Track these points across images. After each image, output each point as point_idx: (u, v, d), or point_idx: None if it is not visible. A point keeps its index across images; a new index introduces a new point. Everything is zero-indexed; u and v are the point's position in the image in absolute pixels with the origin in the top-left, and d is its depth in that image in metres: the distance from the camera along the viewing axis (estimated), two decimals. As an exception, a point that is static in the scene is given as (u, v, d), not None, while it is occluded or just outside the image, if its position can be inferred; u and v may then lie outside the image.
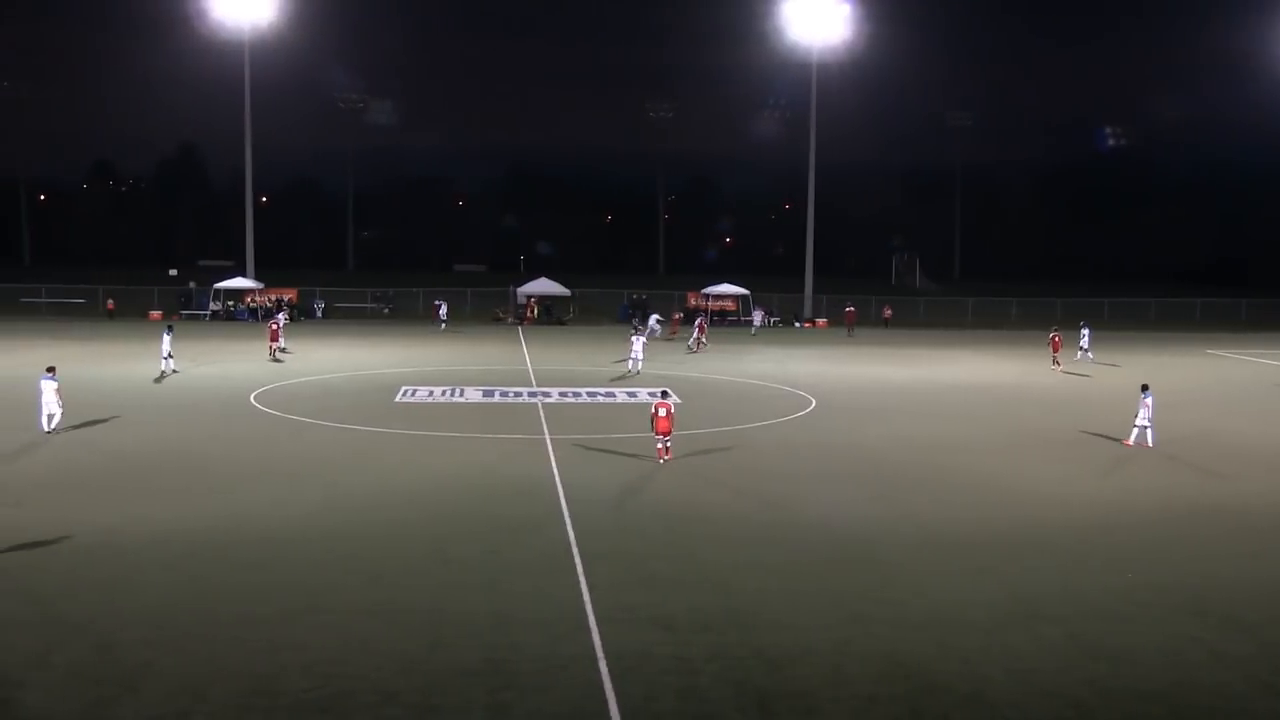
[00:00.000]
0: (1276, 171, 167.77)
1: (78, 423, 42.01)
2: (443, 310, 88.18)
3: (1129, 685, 20.99)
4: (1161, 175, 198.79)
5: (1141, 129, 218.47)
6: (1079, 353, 68.22)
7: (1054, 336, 68.04)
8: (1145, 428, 42.23)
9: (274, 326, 66.93)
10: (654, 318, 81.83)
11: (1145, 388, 42.76)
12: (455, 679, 20.66)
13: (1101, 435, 44.91)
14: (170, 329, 60.12)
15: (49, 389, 40.81)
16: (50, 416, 40.75)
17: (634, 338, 61.59)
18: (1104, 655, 22.43)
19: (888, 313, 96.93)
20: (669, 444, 38.32)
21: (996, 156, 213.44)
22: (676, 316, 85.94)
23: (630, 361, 59.88)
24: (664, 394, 41.50)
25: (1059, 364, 66.05)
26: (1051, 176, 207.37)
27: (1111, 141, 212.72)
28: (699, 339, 73.86)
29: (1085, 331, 69.58)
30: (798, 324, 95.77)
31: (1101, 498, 35.13)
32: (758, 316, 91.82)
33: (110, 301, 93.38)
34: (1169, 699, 20.47)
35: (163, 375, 56.11)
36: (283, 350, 65.60)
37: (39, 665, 20.97)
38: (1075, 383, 60.54)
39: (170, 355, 56.98)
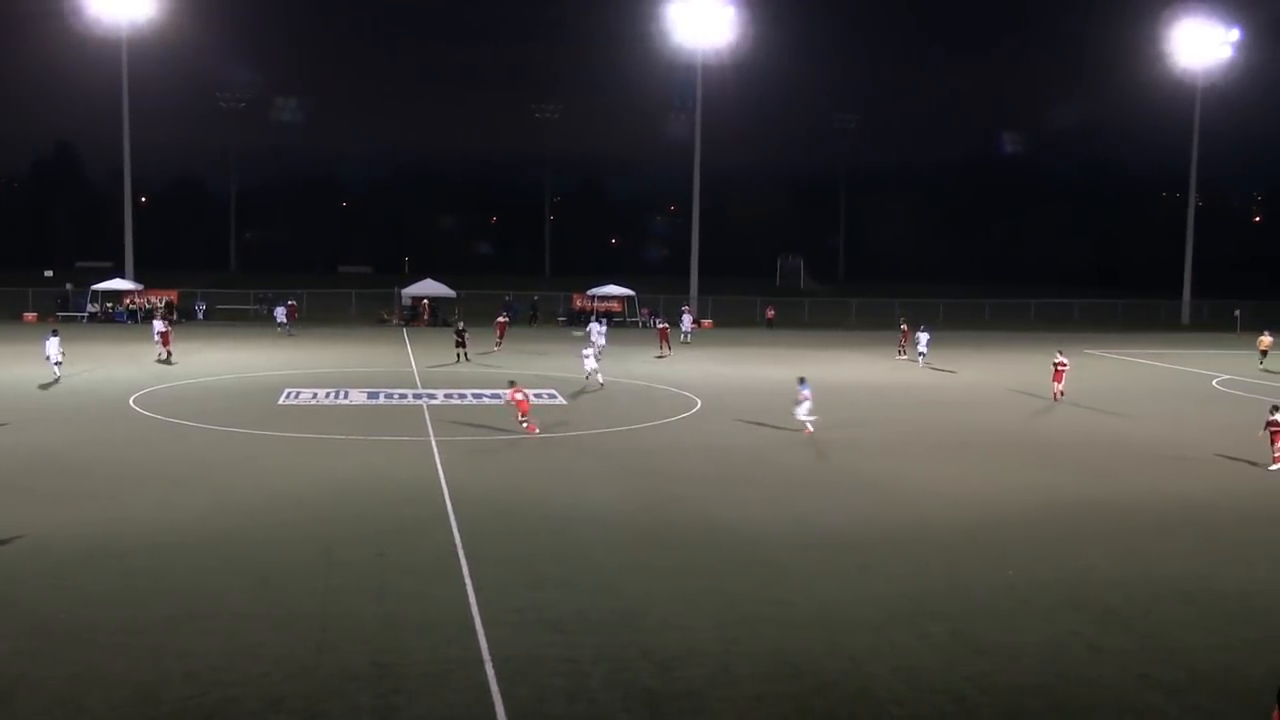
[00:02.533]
0: (1152, 177, 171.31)
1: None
2: (279, 313, 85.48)
3: (1011, 680, 21.31)
4: (1044, 180, 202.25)
5: (1025, 134, 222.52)
6: (918, 357, 68.27)
7: (904, 328, 73.18)
8: (806, 420, 44.56)
9: (164, 330, 66.11)
10: (595, 329, 71.76)
11: (802, 380, 45.48)
12: (342, 683, 20.51)
13: (983, 433, 45.68)
14: (56, 332, 58.62)
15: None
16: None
17: (586, 350, 59.37)
18: (987, 650, 22.75)
19: (770, 313, 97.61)
20: (521, 422, 43.48)
21: (881, 159, 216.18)
22: (501, 320, 77.35)
23: (589, 375, 57.02)
24: (511, 383, 45.42)
25: (904, 353, 71.35)
26: (936, 180, 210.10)
27: (1007, 147, 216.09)
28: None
29: (924, 336, 69.29)
30: (684, 326, 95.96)
31: (984, 495, 35.60)
32: (687, 320, 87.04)
33: None
34: (1050, 692, 20.80)
35: (55, 380, 54.96)
36: (166, 357, 64.21)
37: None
38: (941, 379, 61.32)
39: (60, 360, 56.03)
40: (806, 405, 44.35)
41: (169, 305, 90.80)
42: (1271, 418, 39.84)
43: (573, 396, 52.81)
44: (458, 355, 65.79)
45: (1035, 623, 24.49)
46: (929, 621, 24.30)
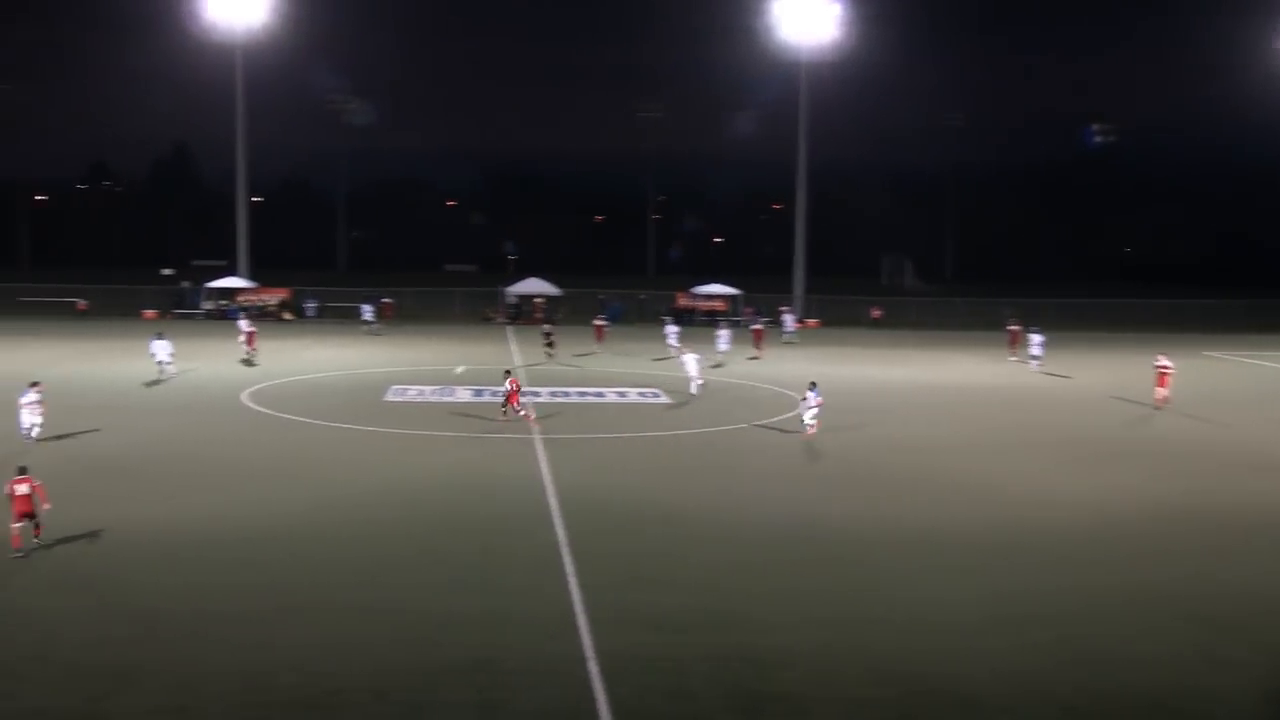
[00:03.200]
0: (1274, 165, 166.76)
1: (66, 424, 41.74)
2: (366, 311, 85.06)
3: (1122, 689, 21.04)
4: (1156, 175, 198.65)
5: (1135, 129, 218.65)
6: (1031, 360, 65.84)
7: (1011, 329, 71.54)
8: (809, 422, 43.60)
9: (250, 330, 65.19)
10: (670, 330, 71.74)
11: (813, 385, 44.50)
12: (445, 677, 20.71)
13: (1080, 437, 45.10)
14: (161, 335, 58.50)
15: (30, 400, 39.76)
16: (33, 425, 39.49)
17: (684, 356, 56.30)
18: (1096, 659, 22.47)
19: (876, 313, 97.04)
20: (518, 410, 44.44)
21: (989, 158, 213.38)
22: (598, 323, 75.36)
23: (692, 384, 53.32)
24: (507, 373, 46.73)
25: (1015, 355, 69.41)
26: (1046, 178, 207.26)
27: (1099, 139, 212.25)
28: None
29: (1037, 338, 66.87)
30: (718, 319, 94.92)
31: (1083, 499, 35.11)
32: (789, 320, 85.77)
33: (81, 303, 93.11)
34: (1164, 705, 20.53)
35: (163, 379, 55.13)
36: (250, 357, 63.16)
37: (36, 660, 21.12)
38: (1051, 383, 60.45)
39: (169, 361, 56.13)
40: (814, 410, 43.38)
41: (283, 304, 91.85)
42: None
43: (675, 395, 52.76)
44: (546, 354, 65.76)
45: (1147, 631, 24.13)
46: (1034, 627, 24.05)
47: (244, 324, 67.13)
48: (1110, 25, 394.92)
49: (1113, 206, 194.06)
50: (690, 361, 53.64)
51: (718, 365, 63.62)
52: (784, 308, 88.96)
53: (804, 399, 43.77)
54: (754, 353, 70.71)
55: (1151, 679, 21.59)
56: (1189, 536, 31.51)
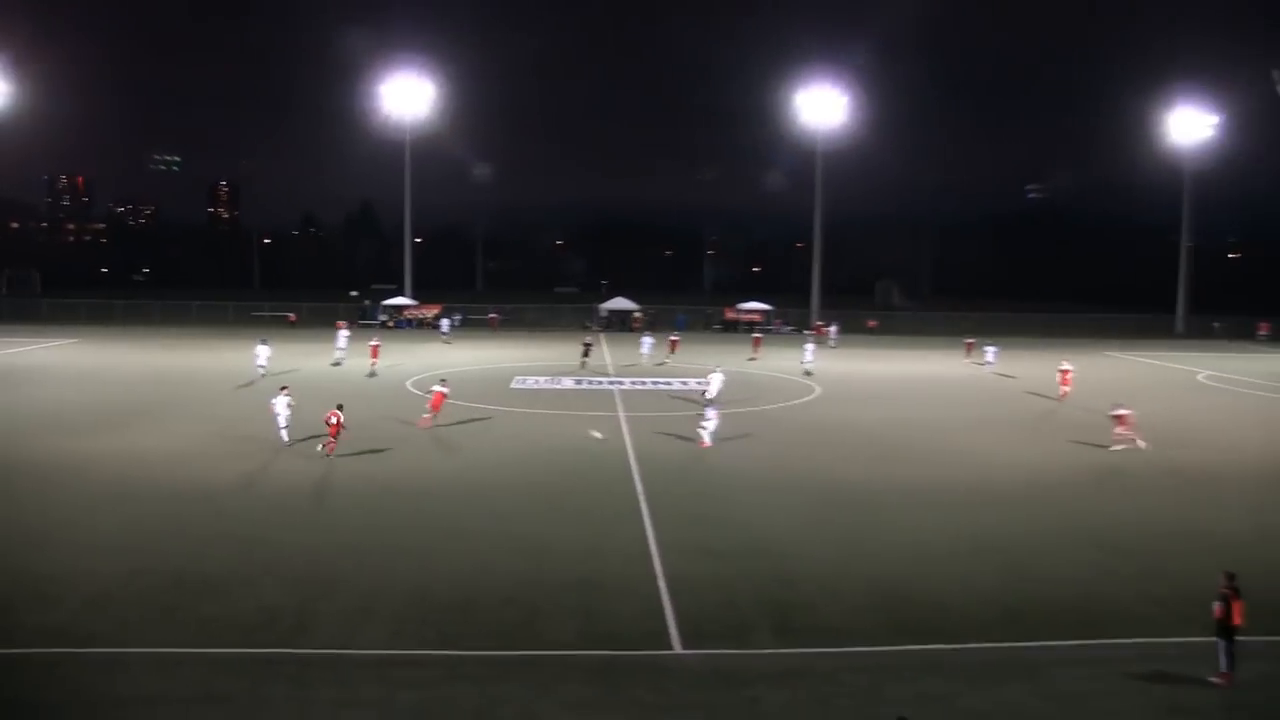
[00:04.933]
0: (1151, 219, 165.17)
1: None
2: (444, 324, 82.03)
3: (1047, 595, 21.16)
4: (1084, 218, 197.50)
5: (1066, 185, 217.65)
6: (987, 364, 62.25)
7: (968, 342, 69.63)
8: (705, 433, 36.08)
9: (375, 343, 57.60)
10: (645, 342, 64.56)
11: (711, 401, 38.68)
12: (555, 591, 21.01)
13: (1019, 419, 44.72)
14: (265, 341, 53.49)
15: (281, 404, 34.67)
16: (286, 429, 34.49)
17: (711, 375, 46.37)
18: (1031, 575, 22.57)
19: (872, 324, 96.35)
20: (433, 417, 38.50)
21: (959, 206, 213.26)
22: (673, 339, 67.68)
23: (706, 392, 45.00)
24: (443, 381, 40.83)
25: (969, 357, 67.28)
26: (1000, 222, 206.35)
27: (1038, 194, 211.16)
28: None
29: (991, 349, 63.45)
30: (806, 331, 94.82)
31: (1022, 461, 34.90)
32: (833, 330, 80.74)
33: (292, 315, 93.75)
34: (1075, 606, 20.62)
35: (260, 378, 50.10)
36: (372, 370, 55.21)
37: (267, 573, 21.77)
38: (1000, 381, 59.76)
39: (264, 365, 51.13)
40: (712, 425, 36.09)
41: (436, 316, 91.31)
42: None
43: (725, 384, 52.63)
44: (582, 363, 59.17)
45: (1066, 555, 24.18)
46: (989, 553, 24.10)
47: (374, 339, 59.40)
48: (1053, 105, 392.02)
49: (1051, 242, 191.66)
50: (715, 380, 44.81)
51: (661, 363, 61.25)
52: (828, 323, 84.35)
53: (704, 417, 36.48)
54: (752, 354, 67.44)
55: (1067, 589, 21.74)
56: (1096, 487, 31.36)
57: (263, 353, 51.86)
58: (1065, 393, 49.08)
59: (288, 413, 34.67)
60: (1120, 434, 36.86)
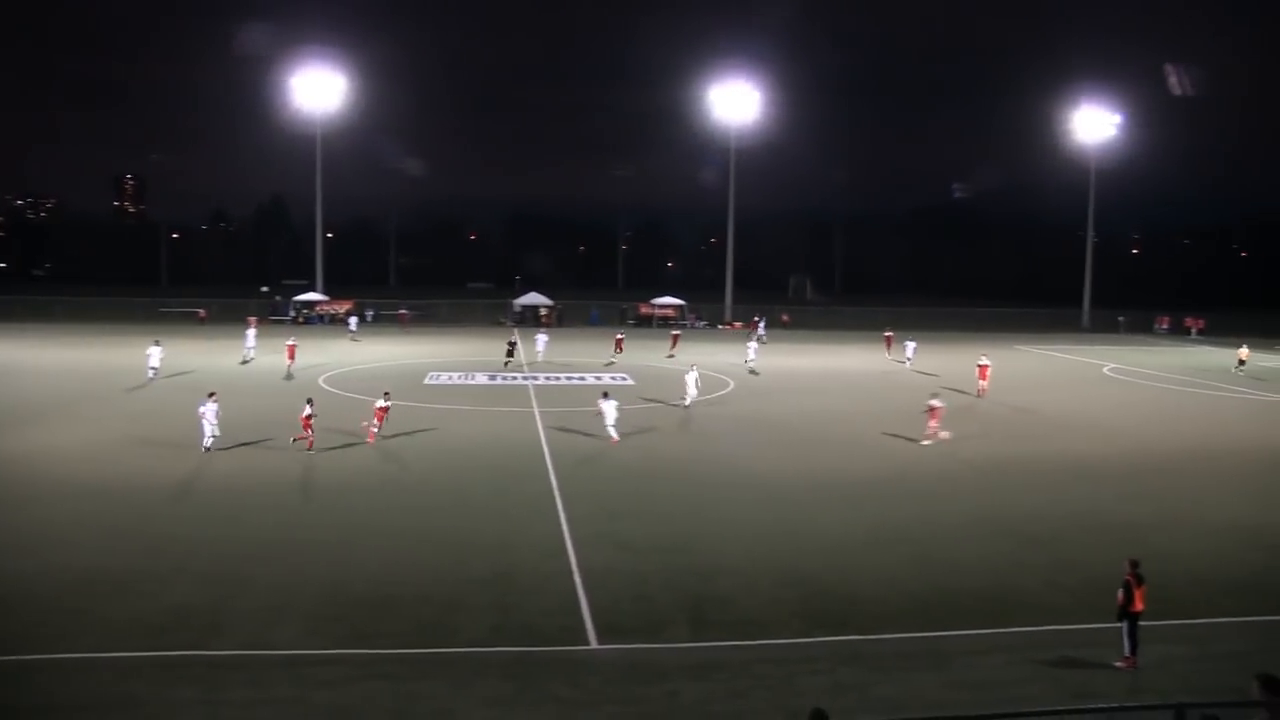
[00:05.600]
0: (1072, 220, 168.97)
1: (192, 400, 41.33)
2: (353, 322, 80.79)
3: (957, 585, 21.46)
4: (987, 220, 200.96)
5: (978, 183, 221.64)
6: (906, 361, 61.18)
7: (887, 335, 68.81)
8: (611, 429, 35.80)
9: (291, 343, 55.15)
10: (540, 339, 62.93)
11: (606, 394, 36.97)
12: (472, 586, 20.87)
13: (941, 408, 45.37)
14: (159, 343, 50.27)
15: (211, 412, 32.78)
16: (213, 438, 32.65)
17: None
18: (941, 564, 22.90)
19: (785, 319, 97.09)
20: (376, 428, 35.16)
21: (869, 202, 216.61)
22: (619, 337, 66.89)
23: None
24: (385, 395, 36.87)
25: (889, 353, 66.38)
26: (907, 219, 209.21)
27: (958, 193, 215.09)
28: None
29: (910, 345, 62.57)
30: (720, 326, 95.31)
31: (935, 452, 35.39)
32: (761, 326, 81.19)
33: (201, 312, 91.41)
34: (985, 594, 20.97)
35: (150, 380, 47.74)
36: (290, 374, 52.28)
37: (179, 571, 21.36)
38: (915, 377, 60.62)
39: (157, 366, 48.60)
40: (611, 416, 35.75)
41: (349, 312, 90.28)
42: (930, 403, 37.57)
43: (640, 379, 52.75)
44: (506, 362, 57.41)
45: (976, 545, 24.59)
46: (900, 544, 24.39)
47: (290, 339, 56.51)
48: (966, 105, 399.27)
49: (962, 238, 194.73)
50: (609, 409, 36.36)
51: (610, 363, 60.60)
52: (757, 318, 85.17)
53: (599, 411, 36.13)
54: (669, 351, 66.25)
55: (977, 578, 22.07)
56: (1007, 477, 31.92)
57: (155, 354, 49.36)
58: (983, 388, 49.15)
59: (216, 421, 32.80)
60: (933, 428, 36.72)
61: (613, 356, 62.48)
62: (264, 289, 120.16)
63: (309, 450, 32.74)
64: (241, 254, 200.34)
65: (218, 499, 27.45)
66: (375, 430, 35.14)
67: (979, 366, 50.05)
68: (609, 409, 35.67)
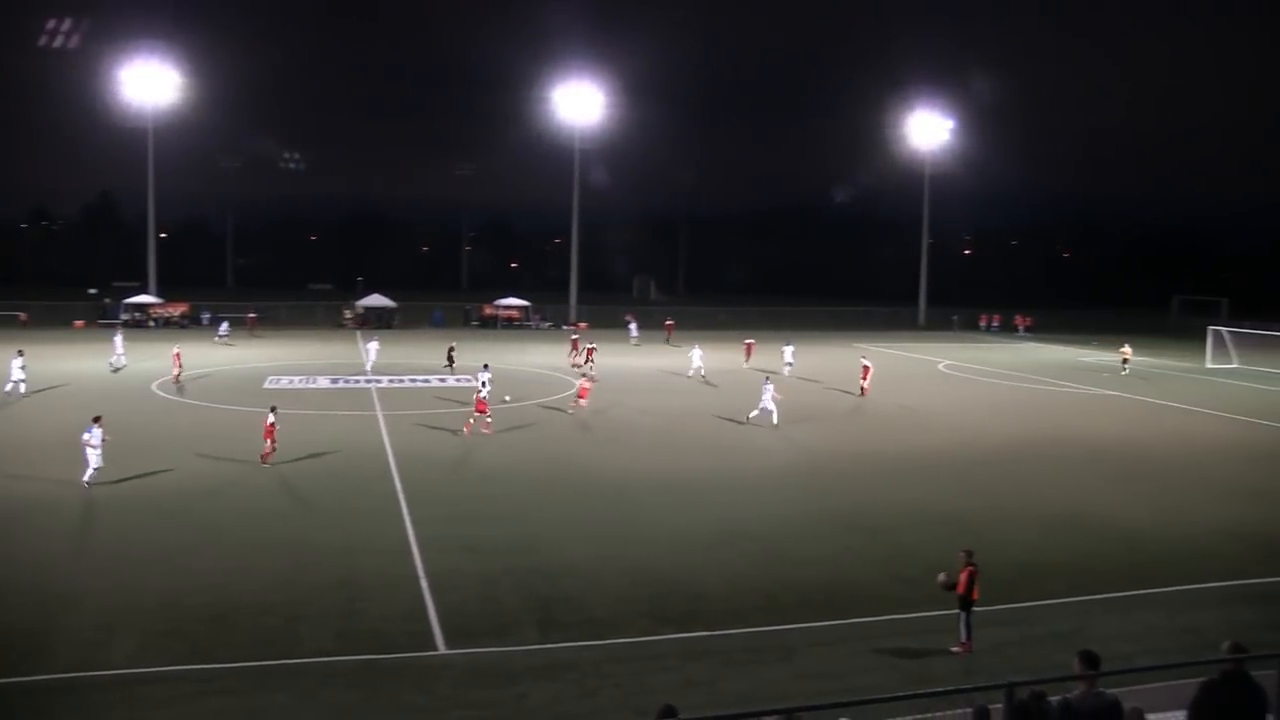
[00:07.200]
0: (907, 222, 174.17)
1: (20, 408, 39.50)
2: (224, 327, 75.88)
3: (804, 580, 21.85)
4: (833, 218, 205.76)
5: (819, 184, 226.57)
6: (785, 368, 55.77)
7: (748, 343, 64.11)
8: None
9: (177, 352, 51.06)
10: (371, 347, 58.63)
11: (485, 365, 42.59)
12: (316, 593, 20.41)
13: (795, 413, 46.06)
14: (21, 353, 45.15)
15: (97, 438, 28.59)
16: (97, 469, 28.62)
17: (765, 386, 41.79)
18: (783, 561, 23.28)
19: (669, 323, 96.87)
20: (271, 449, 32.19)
21: (713, 204, 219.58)
22: (669, 323, 70.63)
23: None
24: (273, 409, 33.30)
25: (749, 360, 61.37)
26: (747, 221, 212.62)
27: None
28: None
29: (789, 349, 57.52)
30: (565, 326, 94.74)
31: (782, 449, 36.05)
32: (634, 328, 78.44)
33: (22, 315, 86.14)
34: (830, 588, 21.40)
35: (12, 393, 43.64)
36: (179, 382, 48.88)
37: (11, 590, 20.26)
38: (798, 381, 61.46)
39: (22, 379, 43.93)
40: (486, 390, 39.02)
41: (183, 315, 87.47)
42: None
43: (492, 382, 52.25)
44: (445, 365, 55.33)
45: (821, 539, 25.09)
46: (747, 541, 24.68)
47: (176, 347, 52.79)
48: (807, 108, 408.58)
49: (801, 239, 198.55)
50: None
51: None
52: (629, 316, 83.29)
53: (480, 387, 38.20)
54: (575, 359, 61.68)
55: (821, 572, 22.55)
56: (855, 472, 32.68)
57: (15, 367, 44.07)
58: (865, 388, 48.97)
59: (100, 449, 28.75)
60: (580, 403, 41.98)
61: (447, 368, 56.23)
62: (92, 291, 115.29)
63: (264, 464, 31.40)
64: (66, 254, 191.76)
65: (41, 512, 26.19)
66: (271, 450, 31.98)
67: (863, 367, 50.28)
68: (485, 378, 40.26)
